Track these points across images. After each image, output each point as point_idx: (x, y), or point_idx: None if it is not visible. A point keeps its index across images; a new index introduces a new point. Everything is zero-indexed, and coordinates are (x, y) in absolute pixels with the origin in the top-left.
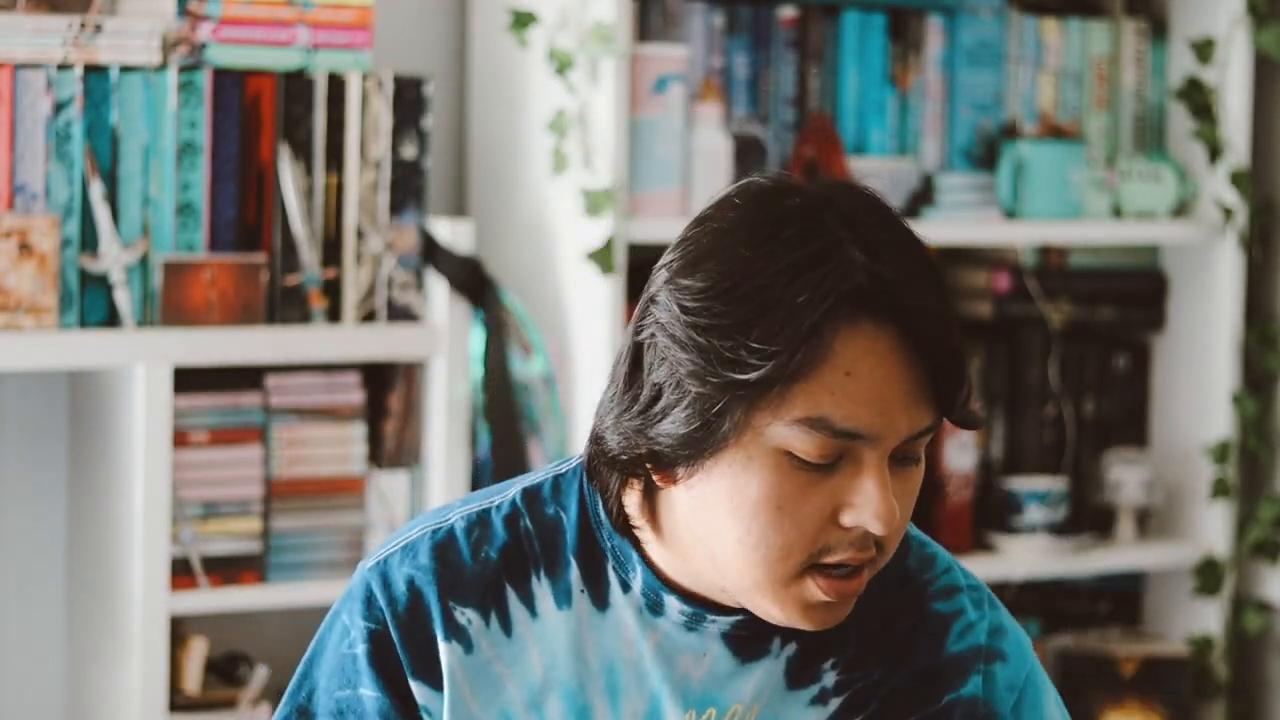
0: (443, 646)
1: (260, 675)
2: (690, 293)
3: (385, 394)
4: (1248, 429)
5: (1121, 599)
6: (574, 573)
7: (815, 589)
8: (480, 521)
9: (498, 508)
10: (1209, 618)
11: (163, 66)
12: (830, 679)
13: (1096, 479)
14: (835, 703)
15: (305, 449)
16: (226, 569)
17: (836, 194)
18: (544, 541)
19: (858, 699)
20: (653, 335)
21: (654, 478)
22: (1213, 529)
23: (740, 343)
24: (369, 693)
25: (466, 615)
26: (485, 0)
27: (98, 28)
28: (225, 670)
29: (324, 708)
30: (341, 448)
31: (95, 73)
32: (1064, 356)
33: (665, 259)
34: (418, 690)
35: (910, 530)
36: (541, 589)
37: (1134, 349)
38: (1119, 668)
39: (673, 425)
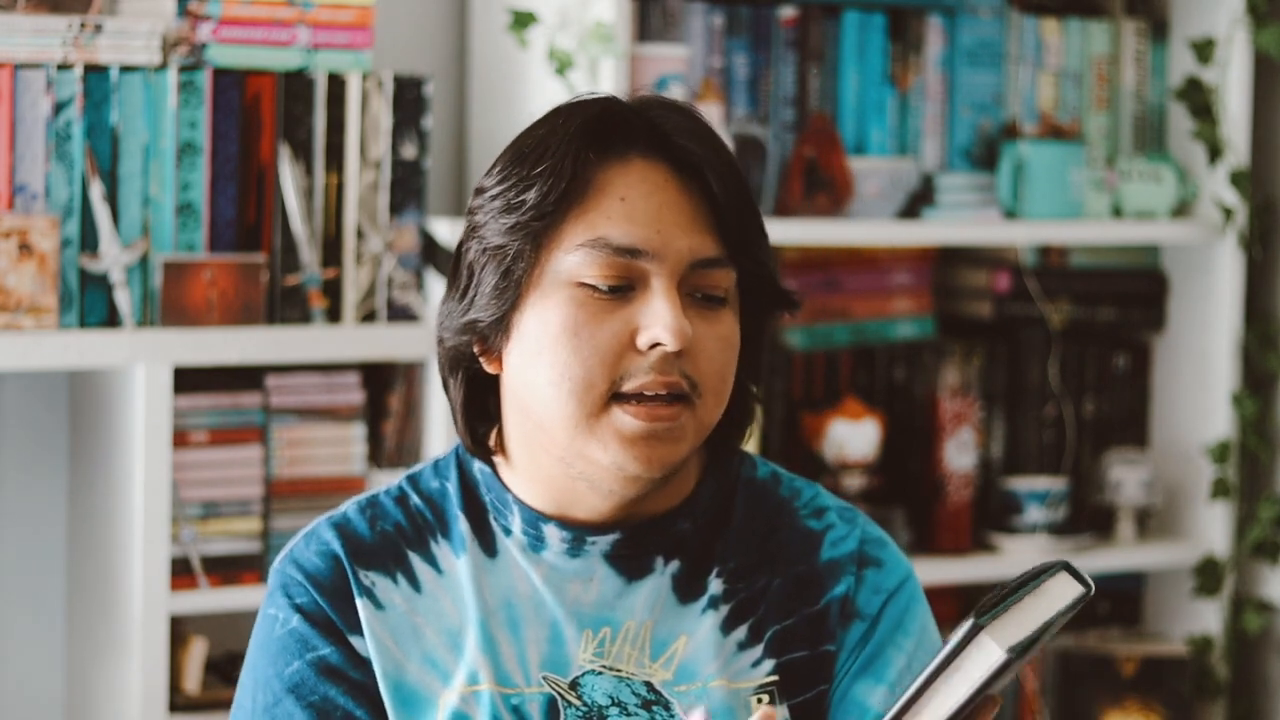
0: (358, 602)
1: None
2: (489, 175)
3: (385, 394)
4: (1248, 429)
5: (1121, 599)
6: (464, 525)
7: (626, 417)
8: (371, 504)
9: (386, 492)
10: (1209, 618)
11: (163, 66)
12: (717, 586)
13: (1096, 479)
14: (725, 608)
15: (305, 449)
16: (226, 569)
17: (636, 98)
18: (433, 510)
19: (745, 605)
20: (470, 230)
21: (483, 364)
22: (1213, 529)
23: (518, 187)
24: (322, 650)
25: (371, 578)
26: (485, 0)
27: (98, 28)
28: (225, 670)
29: (279, 691)
30: (341, 448)
31: (95, 73)
32: (1064, 356)
33: None
34: (358, 644)
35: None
36: (440, 549)
37: (1134, 349)
38: (1119, 668)
39: (484, 289)
